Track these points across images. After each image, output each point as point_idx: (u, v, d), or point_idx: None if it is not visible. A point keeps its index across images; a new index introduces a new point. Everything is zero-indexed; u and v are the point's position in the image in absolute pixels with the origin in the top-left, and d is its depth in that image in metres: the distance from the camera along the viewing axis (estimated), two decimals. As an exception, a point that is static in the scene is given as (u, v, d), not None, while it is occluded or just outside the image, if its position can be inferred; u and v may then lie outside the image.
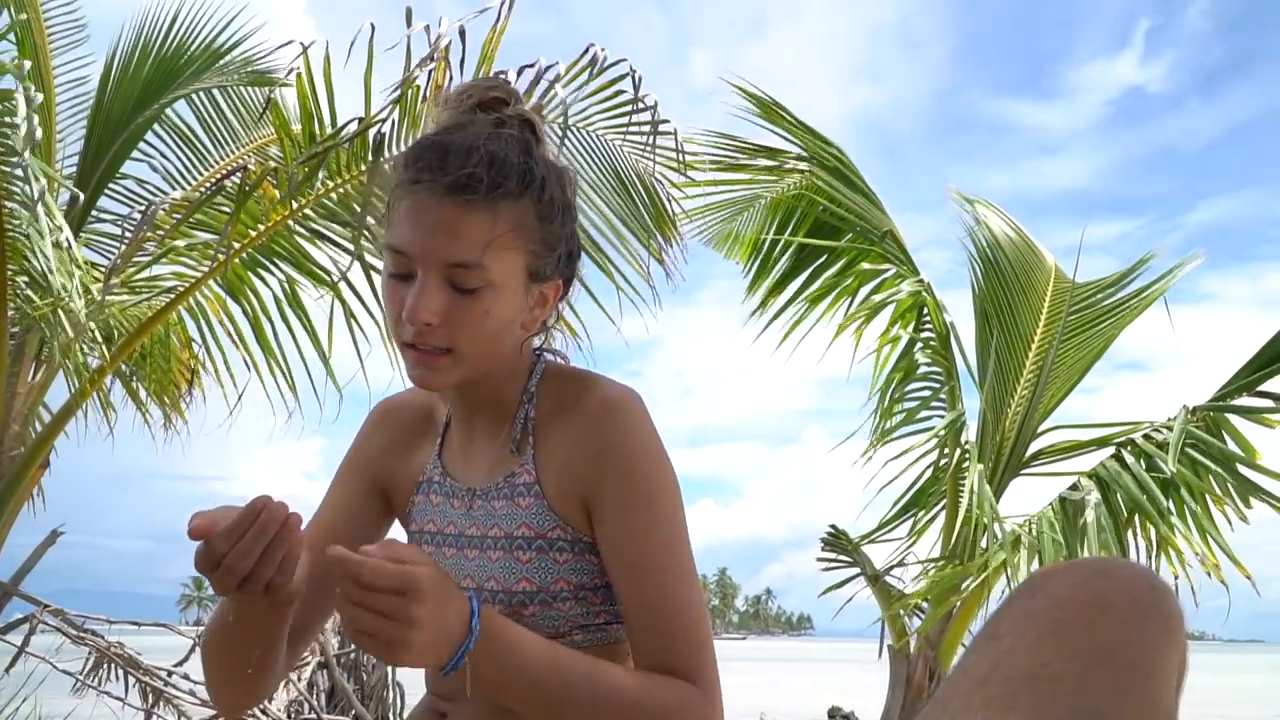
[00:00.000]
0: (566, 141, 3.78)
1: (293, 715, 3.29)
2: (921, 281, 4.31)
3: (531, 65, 3.42)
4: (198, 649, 4.18)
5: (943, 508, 4.33)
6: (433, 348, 1.10)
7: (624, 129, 3.83)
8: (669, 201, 3.97)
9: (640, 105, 3.60)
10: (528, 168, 1.12)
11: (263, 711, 3.29)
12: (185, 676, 3.98)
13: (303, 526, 1.00)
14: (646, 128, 3.63)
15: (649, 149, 3.75)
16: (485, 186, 1.08)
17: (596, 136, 3.93)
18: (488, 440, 1.22)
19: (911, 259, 4.44)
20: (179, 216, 4.26)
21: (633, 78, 3.58)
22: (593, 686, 1.03)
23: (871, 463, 4.34)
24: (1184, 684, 0.79)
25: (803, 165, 4.50)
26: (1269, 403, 3.65)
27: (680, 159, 3.83)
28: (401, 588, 0.90)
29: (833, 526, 4.57)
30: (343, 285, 4.11)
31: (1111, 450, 3.92)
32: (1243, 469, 3.56)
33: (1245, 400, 3.72)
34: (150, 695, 4.02)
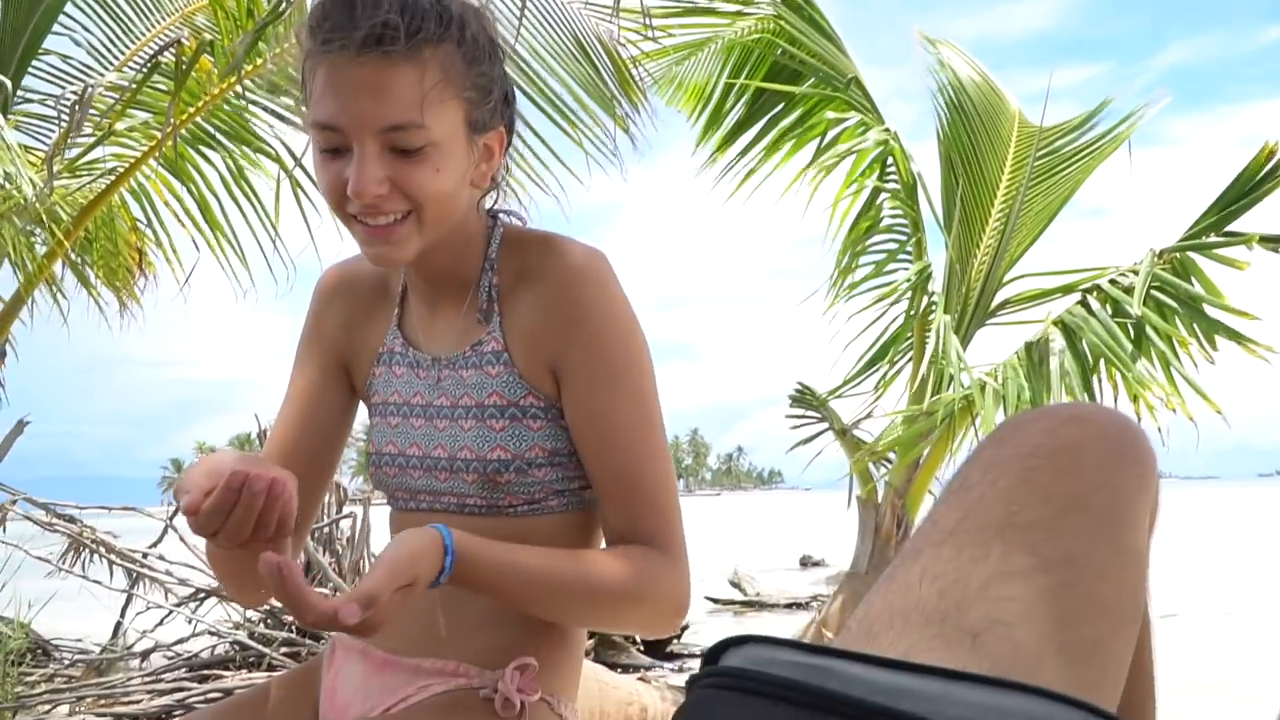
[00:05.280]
0: (527, 9, 3.62)
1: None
2: (888, 130, 4.21)
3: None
4: (170, 530, 4.21)
5: (909, 360, 4.35)
6: (390, 219, 1.03)
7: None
8: (633, 66, 3.84)
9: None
10: (441, 7, 1.03)
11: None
12: (160, 558, 4.00)
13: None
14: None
15: (611, 14, 3.60)
16: (404, 34, 0.99)
17: (555, 2, 3.78)
18: (451, 311, 1.17)
19: (877, 108, 4.32)
20: (115, 98, 4.08)
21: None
22: (582, 577, 1.06)
23: (839, 318, 4.34)
24: (1155, 528, 0.79)
25: (766, 7, 4.29)
26: (1235, 242, 3.65)
27: (646, 22, 3.67)
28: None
29: (800, 383, 4.60)
30: (288, 157, 3.99)
31: (1078, 297, 3.92)
32: (1208, 309, 3.58)
33: (1212, 240, 3.71)
34: (130, 576, 4.05)
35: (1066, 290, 4.11)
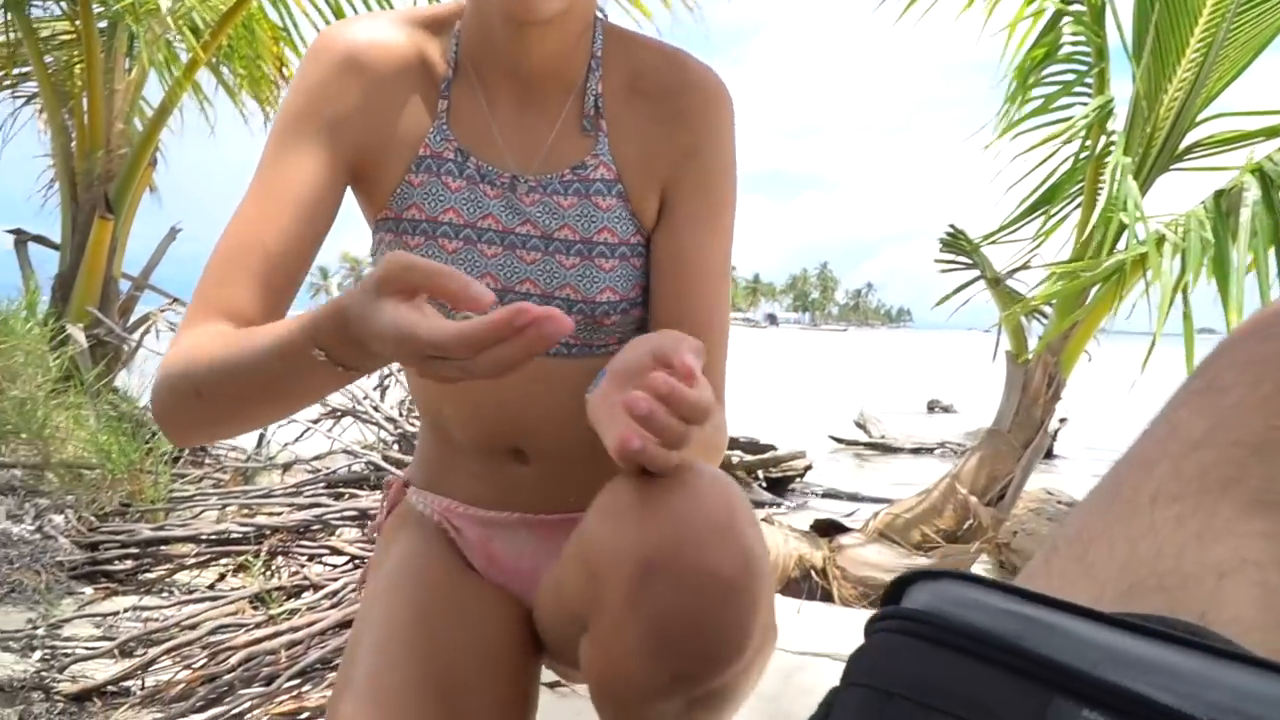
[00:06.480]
0: None
1: (403, 414, 3.40)
2: (1079, -58, 3.74)
3: None
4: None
5: (1077, 206, 4.00)
6: None
7: None
8: None
9: None
10: None
11: (374, 408, 3.42)
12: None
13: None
14: None
15: None
16: None
17: None
18: (540, 118, 1.00)
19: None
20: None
21: None
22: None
23: (1002, 156, 3.99)
24: None
25: None
26: None
27: None
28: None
29: (952, 226, 4.31)
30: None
31: (1283, 141, 3.49)
32: None
33: None
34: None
35: (1270, 134, 3.66)
